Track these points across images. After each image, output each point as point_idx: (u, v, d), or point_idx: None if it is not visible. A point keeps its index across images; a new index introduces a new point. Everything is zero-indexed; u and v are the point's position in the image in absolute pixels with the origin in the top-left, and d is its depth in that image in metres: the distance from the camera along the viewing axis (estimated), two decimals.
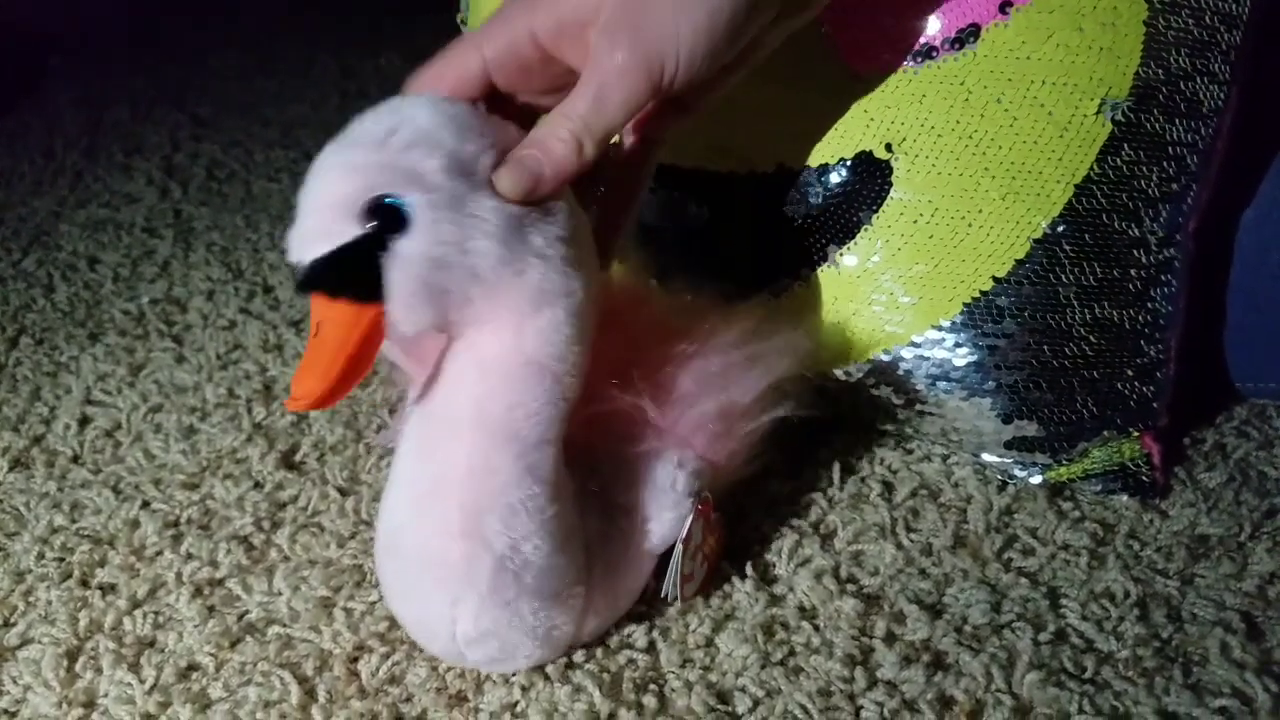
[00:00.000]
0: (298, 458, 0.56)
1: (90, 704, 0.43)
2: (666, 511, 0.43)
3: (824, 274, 0.50)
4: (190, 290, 0.74)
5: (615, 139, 0.41)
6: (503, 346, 0.38)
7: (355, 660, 0.44)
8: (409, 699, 0.42)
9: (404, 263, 0.35)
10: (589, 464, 0.43)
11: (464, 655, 0.41)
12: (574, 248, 0.38)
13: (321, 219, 0.36)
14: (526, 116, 0.41)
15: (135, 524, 0.52)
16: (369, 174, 0.36)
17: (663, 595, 0.45)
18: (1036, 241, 0.48)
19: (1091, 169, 0.47)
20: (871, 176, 0.49)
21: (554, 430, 0.39)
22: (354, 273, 0.35)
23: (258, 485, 0.54)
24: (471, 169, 0.36)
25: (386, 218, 0.35)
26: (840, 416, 0.55)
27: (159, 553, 0.50)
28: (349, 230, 0.35)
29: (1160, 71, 0.47)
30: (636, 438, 0.44)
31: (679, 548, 0.43)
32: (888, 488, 0.52)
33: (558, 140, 0.37)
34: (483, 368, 0.38)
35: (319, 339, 0.36)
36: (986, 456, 0.52)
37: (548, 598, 0.40)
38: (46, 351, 0.68)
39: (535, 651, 0.41)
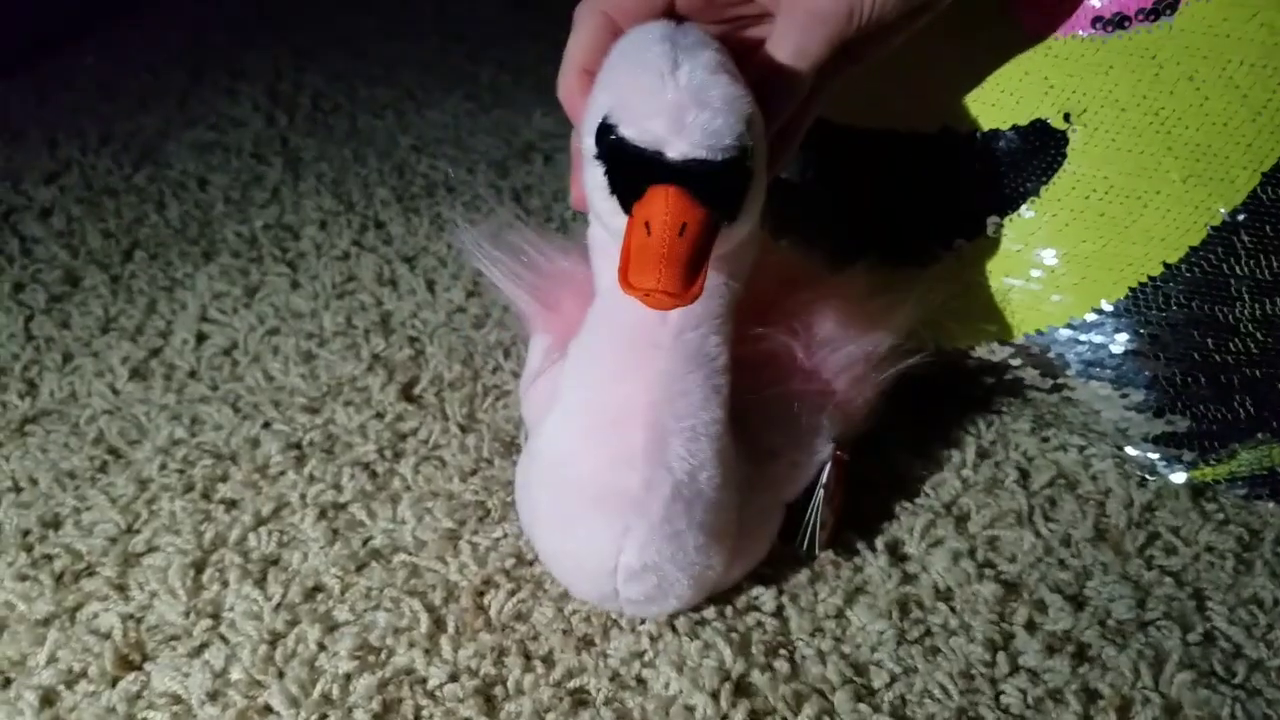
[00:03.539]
0: (417, 391, 0.56)
1: (217, 615, 0.43)
2: (811, 456, 0.43)
3: (979, 244, 0.49)
4: (302, 219, 0.73)
5: None
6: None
7: (482, 594, 0.43)
8: (536, 637, 0.42)
9: (758, 186, 0.34)
10: (736, 407, 0.41)
11: (618, 591, 0.40)
12: None
13: (728, 121, 0.32)
14: None
15: (256, 443, 0.52)
16: (728, 100, 0.33)
17: (801, 546, 0.44)
18: (1214, 229, 0.45)
19: None
20: (1045, 146, 0.47)
21: (729, 355, 0.38)
22: (738, 185, 0.33)
23: (379, 415, 0.54)
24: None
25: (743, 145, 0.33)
26: (976, 396, 0.54)
27: (282, 473, 0.50)
28: (741, 140, 0.32)
29: None
30: (783, 380, 0.43)
31: (820, 493, 0.43)
32: (1024, 474, 0.51)
33: (776, 89, 0.37)
34: None
35: (682, 238, 0.32)
36: (1129, 450, 0.50)
37: (711, 533, 0.39)
38: (161, 266, 0.68)
39: (687, 591, 0.40)
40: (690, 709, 0.39)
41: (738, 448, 0.41)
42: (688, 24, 0.36)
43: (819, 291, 0.44)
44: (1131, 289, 0.47)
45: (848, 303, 0.44)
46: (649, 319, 0.37)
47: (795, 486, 0.43)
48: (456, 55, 1.10)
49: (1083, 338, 0.48)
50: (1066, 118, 0.46)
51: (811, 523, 0.43)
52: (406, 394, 0.55)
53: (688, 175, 0.32)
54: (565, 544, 0.41)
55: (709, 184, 0.32)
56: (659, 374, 0.37)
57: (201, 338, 0.60)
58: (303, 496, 0.48)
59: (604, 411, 0.38)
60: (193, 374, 0.58)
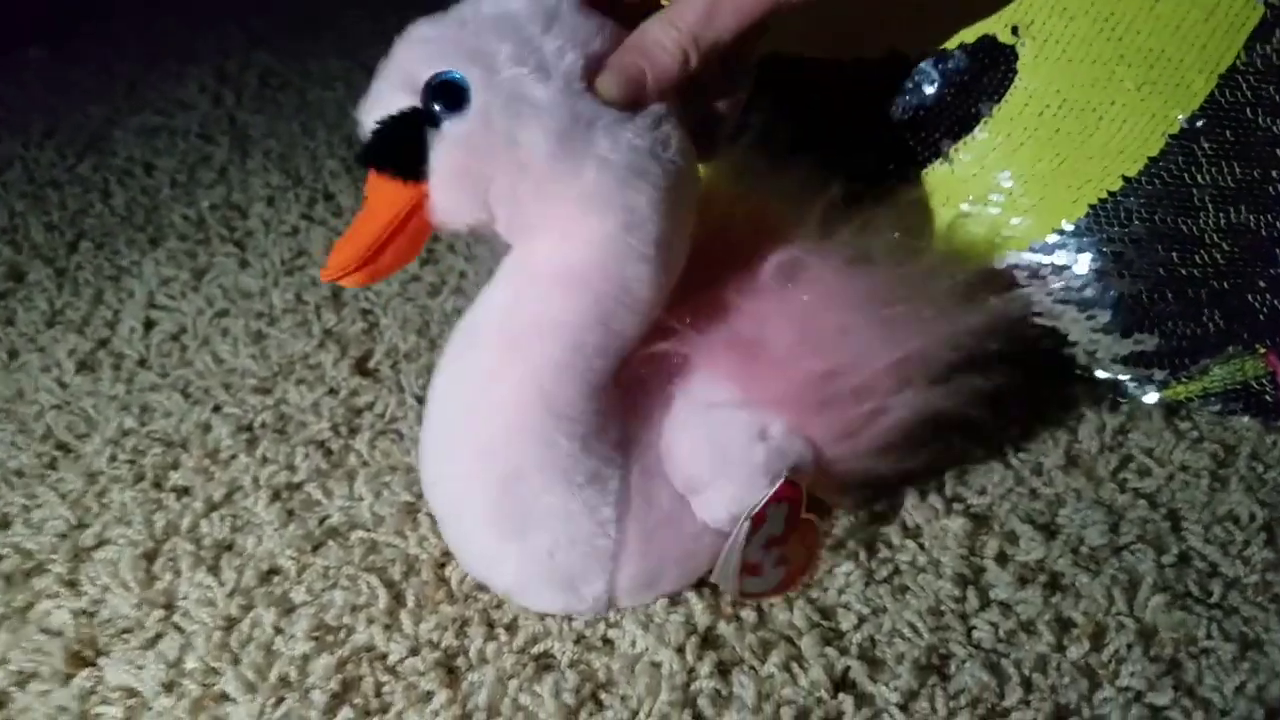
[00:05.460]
0: (371, 364, 0.54)
1: (170, 605, 0.42)
2: (731, 484, 0.37)
3: (935, 171, 0.47)
4: (250, 196, 0.72)
5: None
6: (546, 254, 0.35)
7: (443, 566, 0.42)
8: (499, 605, 0.41)
9: (449, 143, 0.33)
10: (655, 409, 0.38)
11: (490, 578, 0.39)
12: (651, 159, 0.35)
13: (385, 88, 0.34)
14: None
15: (207, 427, 0.51)
16: (440, 47, 0.34)
17: (712, 579, 0.39)
18: (1173, 137, 0.44)
19: (1238, 58, 0.43)
20: (994, 63, 0.45)
21: (581, 357, 0.35)
22: (400, 147, 0.34)
23: (332, 391, 0.52)
24: (547, 61, 0.34)
25: (445, 95, 0.33)
26: None
27: (233, 456, 0.49)
28: (406, 102, 0.34)
29: None
30: (707, 388, 0.38)
31: (743, 527, 0.37)
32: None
33: (662, 50, 0.35)
34: (519, 274, 0.36)
35: (362, 212, 0.35)
36: (1100, 373, 0.49)
37: (564, 541, 0.37)
38: (107, 256, 0.66)
39: (558, 598, 0.38)
40: (656, 665, 0.38)
41: (640, 451, 0.37)
42: None
43: (800, 294, 0.38)
44: (1091, 206, 0.45)
45: (821, 311, 0.37)
46: (481, 307, 0.38)
47: (718, 512, 0.38)
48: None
49: (1045, 260, 0.46)
50: (1015, 31, 0.44)
51: (726, 557, 0.38)
52: (360, 368, 0.54)
53: (363, 149, 0.35)
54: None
55: (377, 152, 0.34)
56: (481, 364, 0.37)
57: (150, 325, 0.59)
58: (255, 479, 0.47)
59: (439, 389, 0.39)
60: (142, 362, 0.56)
